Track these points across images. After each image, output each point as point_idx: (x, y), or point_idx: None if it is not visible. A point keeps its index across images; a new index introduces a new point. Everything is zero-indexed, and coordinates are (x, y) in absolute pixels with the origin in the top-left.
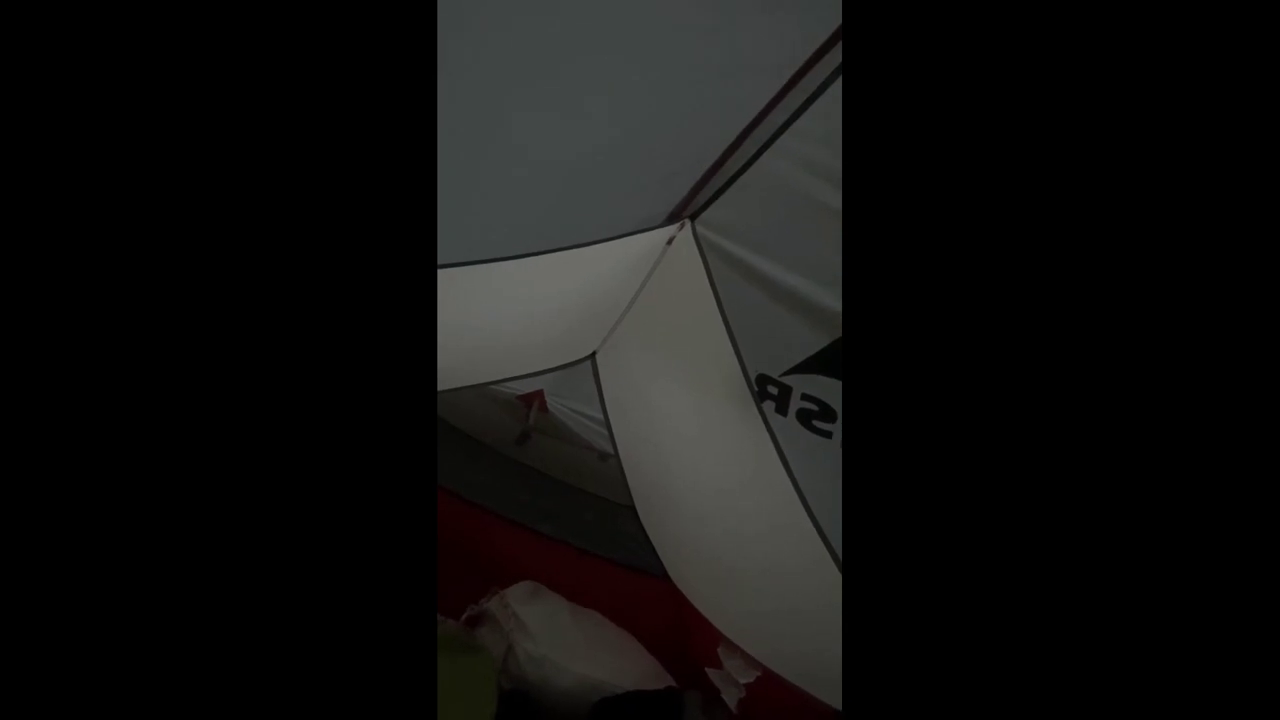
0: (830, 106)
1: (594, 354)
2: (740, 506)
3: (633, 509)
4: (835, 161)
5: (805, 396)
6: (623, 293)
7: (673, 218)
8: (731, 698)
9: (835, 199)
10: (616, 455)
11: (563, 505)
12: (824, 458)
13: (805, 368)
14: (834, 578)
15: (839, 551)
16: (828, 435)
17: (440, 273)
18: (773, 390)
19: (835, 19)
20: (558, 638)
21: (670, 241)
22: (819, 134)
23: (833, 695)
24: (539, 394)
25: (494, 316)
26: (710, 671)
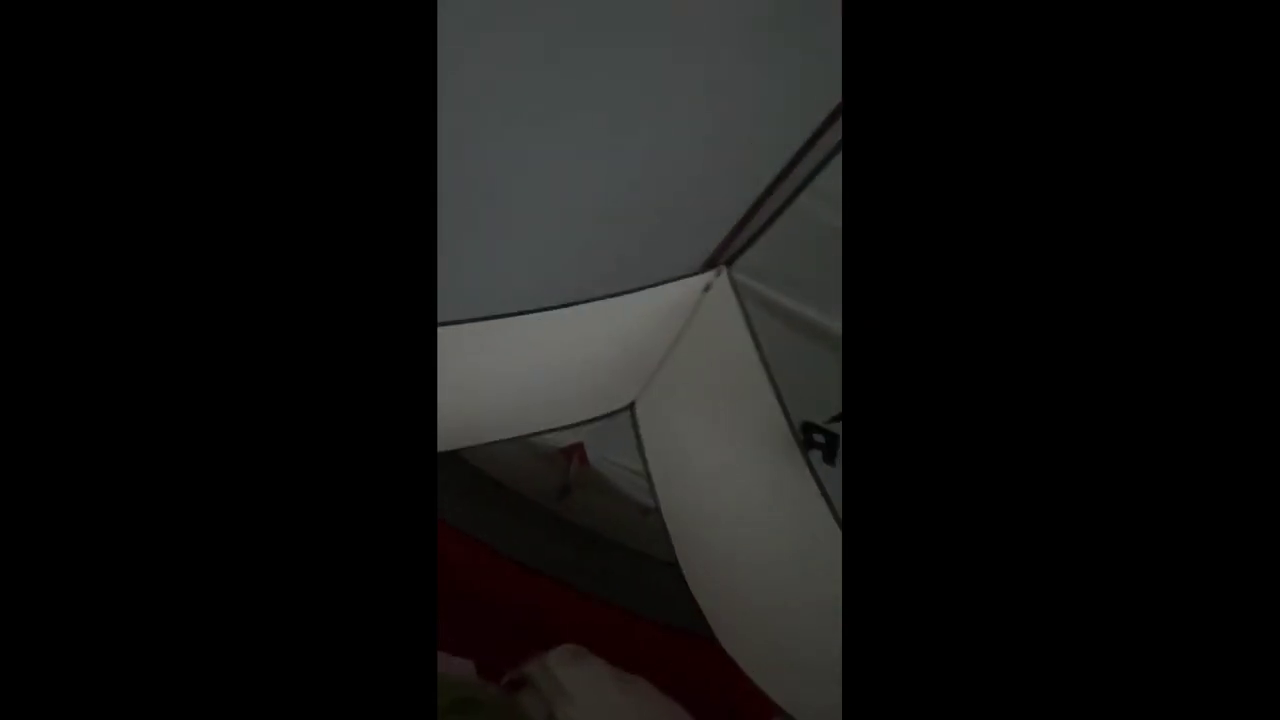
0: None
1: (633, 404)
2: (788, 564)
3: (676, 566)
4: None
5: None
6: (659, 341)
7: (709, 264)
8: None
9: None
10: (658, 510)
11: (606, 561)
12: None
13: None
14: None
15: None
16: None
17: (473, 325)
18: (819, 438)
19: None
20: (601, 706)
21: (707, 288)
22: None
23: None
24: (579, 447)
25: (530, 368)
26: None
